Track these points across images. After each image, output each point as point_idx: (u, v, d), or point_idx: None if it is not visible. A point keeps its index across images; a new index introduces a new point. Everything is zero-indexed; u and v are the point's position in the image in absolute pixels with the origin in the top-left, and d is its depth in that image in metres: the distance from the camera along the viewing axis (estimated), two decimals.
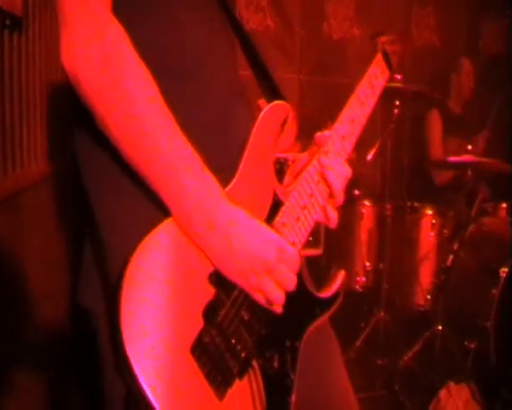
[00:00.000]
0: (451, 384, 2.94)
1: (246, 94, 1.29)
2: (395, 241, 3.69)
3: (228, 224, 1.00)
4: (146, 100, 0.97)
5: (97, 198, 1.10)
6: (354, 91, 1.33)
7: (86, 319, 1.12)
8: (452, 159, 3.70)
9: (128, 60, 0.97)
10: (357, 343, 3.53)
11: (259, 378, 1.08)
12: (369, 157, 3.39)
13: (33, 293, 2.03)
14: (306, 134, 1.35)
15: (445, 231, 3.72)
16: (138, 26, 1.04)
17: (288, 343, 1.15)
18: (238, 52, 1.27)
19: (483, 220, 3.78)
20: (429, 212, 3.73)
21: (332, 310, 1.28)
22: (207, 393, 0.98)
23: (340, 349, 1.38)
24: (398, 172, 3.85)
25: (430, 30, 5.09)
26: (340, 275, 1.31)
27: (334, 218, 1.28)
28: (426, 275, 3.68)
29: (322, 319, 1.26)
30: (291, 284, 1.06)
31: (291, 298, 1.09)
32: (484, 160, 3.66)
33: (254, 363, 1.08)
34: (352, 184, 3.92)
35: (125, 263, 0.94)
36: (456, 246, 3.55)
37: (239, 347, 1.04)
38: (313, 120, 2.24)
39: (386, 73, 1.41)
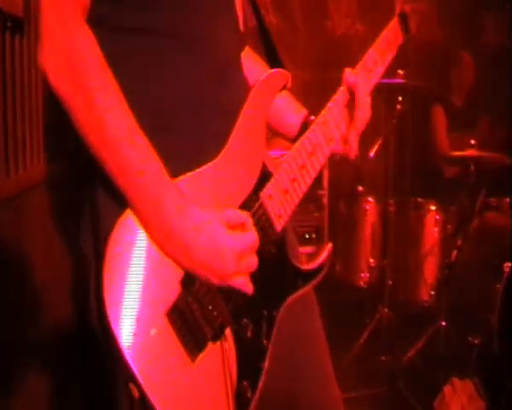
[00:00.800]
0: (455, 380, 2.94)
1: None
2: (399, 237, 3.69)
3: (187, 237, 1.02)
4: (107, 109, 1.00)
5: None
6: (362, 59, 1.34)
7: (89, 318, 1.13)
8: (455, 154, 3.70)
9: (92, 69, 1.00)
10: (361, 340, 3.53)
11: (232, 344, 1.12)
12: (372, 154, 3.39)
13: (37, 293, 2.04)
14: None
15: (449, 227, 3.72)
16: None
17: (265, 313, 1.19)
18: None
19: (486, 215, 3.77)
20: (433, 207, 3.73)
21: (315, 282, 1.31)
22: (180, 353, 1.03)
23: (320, 320, 1.40)
24: (401, 169, 3.84)
25: (432, 24, 5.07)
26: (327, 248, 1.33)
27: (354, 147, 1.29)
28: (430, 271, 3.69)
29: (304, 290, 1.28)
30: (253, 266, 1.09)
31: (272, 269, 1.13)
32: (486, 154, 3.65)
33: (228, 329, 1.11)
34: (355, 181, 3.94)
35: (109, 230, 0.99)
36: (459, 241, 3.55)
37: (215, 313, 1.08)
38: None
39: (400, 37, 1.41)
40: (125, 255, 0.99)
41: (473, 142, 3.68)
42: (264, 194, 1.17)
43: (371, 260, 3.74)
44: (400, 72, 3.49)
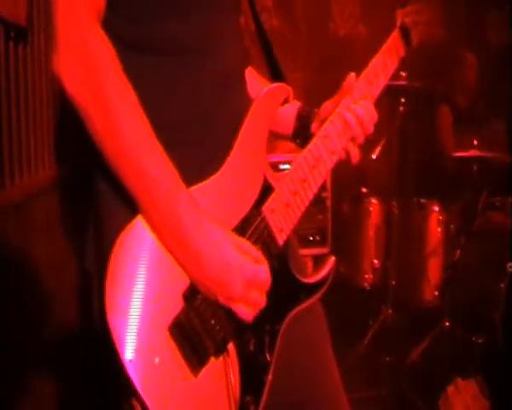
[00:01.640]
0: (459, 381, 2.95)
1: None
2: (402, 238, 3.69)
3: (200, 246, 1.01)
4: (125, 115, 0.98)
5: (101, 171, 1.09)
6: (363, 72, 1.32)
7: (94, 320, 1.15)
8: (458, 154, 3.71)
9: (110, 75, 0.99)
10: (365, 341, 3.53)
11: (235, 358, 1.12)
12: (374, 156, 3.40)
13: (43, 296, 2.06)
14: None
15: (452, 227, 3.72)
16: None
17: (267, 327, 1.18)
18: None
19: (489, 215, 3.77)
20: (436, 208, 3.73)
21: (318, 295, 1.30)
22: (183, 368, 1.03)
23: (327, 330, 1.39)
24: (404, 169, 3.85)
25: (435, 25, 5.06)
26: (330, 261, 1.32)
27: (355, 154, 1.29)
28: (433, 271, 3.68)
29: (308, 304, 1.27)
30: (260, 305, 1.09)
31: (274, 284, 1.11)
32: (489, 154, 3.66)
33: (231, 343, 1.11)
34: (358, 182, 3.95)
35: (112, 241, 0.99)
36: (463, 241, 3.55)
37: (217, 328, 1.08)
38: None
39: (402, 50, 1.38)
40: (127, 269, 0.98)
41: (475, 142, 3.69)
42: (266, 208, 1.16)
43: (375, 262, 3.74)
44: (403, 74, 3.50)
